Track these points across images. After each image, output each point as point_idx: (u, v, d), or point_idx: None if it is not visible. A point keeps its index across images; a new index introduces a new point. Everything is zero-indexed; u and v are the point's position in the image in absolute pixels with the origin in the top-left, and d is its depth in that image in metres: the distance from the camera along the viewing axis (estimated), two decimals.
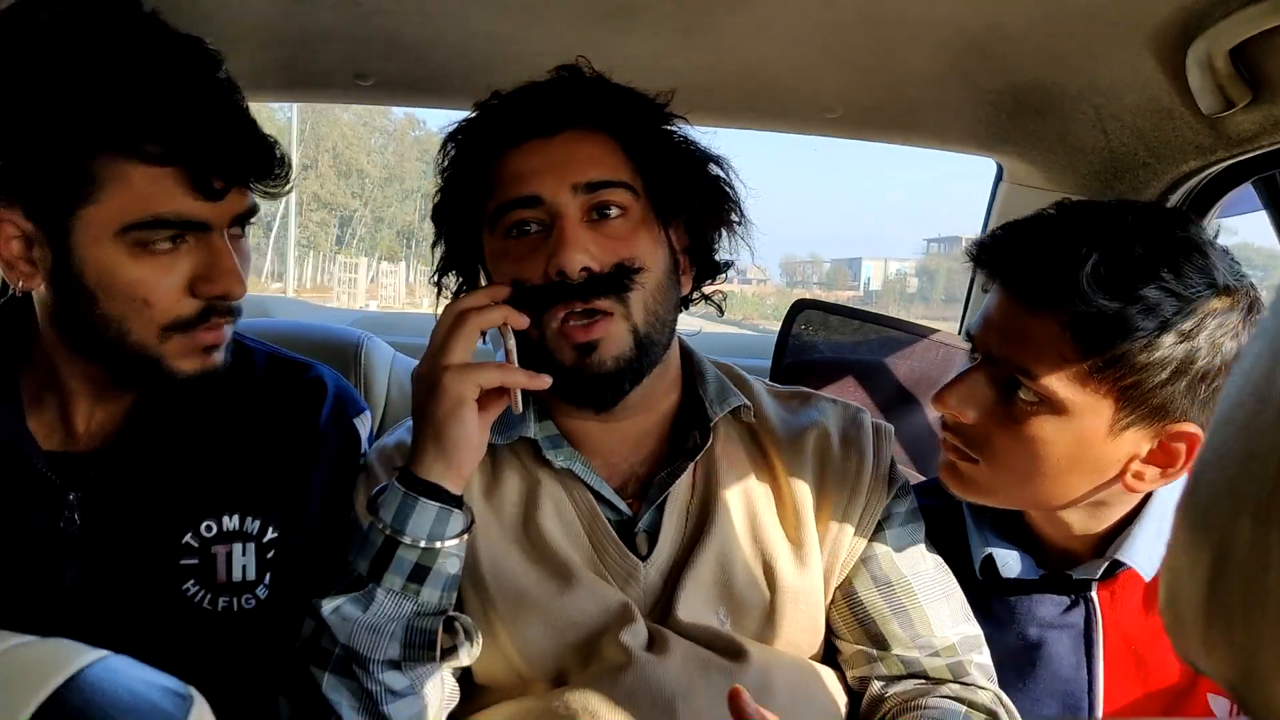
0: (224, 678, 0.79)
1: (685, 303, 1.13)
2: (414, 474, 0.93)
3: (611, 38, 1.40)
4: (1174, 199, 1.50)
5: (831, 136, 1.84)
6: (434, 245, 1.13)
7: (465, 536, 0.94)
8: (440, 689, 0.95)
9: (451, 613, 0.98)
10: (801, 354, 1.78)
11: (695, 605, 1.01)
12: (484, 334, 0.99)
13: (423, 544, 0.91)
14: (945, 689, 1.05)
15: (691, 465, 1.06)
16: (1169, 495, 1.06)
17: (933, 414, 1.72)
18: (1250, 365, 0.35)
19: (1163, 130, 1.36)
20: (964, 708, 1.01)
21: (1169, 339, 0.92)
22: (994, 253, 1.04)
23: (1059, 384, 0.95)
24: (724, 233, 1.12)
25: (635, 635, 0.98)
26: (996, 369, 1.01)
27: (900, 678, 1.06)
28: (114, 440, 1.07)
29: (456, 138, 1.08)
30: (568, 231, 0.97)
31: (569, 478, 1.06)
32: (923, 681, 1.06)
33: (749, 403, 1.10)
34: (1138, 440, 0.98)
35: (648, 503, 1.06)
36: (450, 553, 0.93)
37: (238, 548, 1.08)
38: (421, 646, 0.92)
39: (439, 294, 1.13)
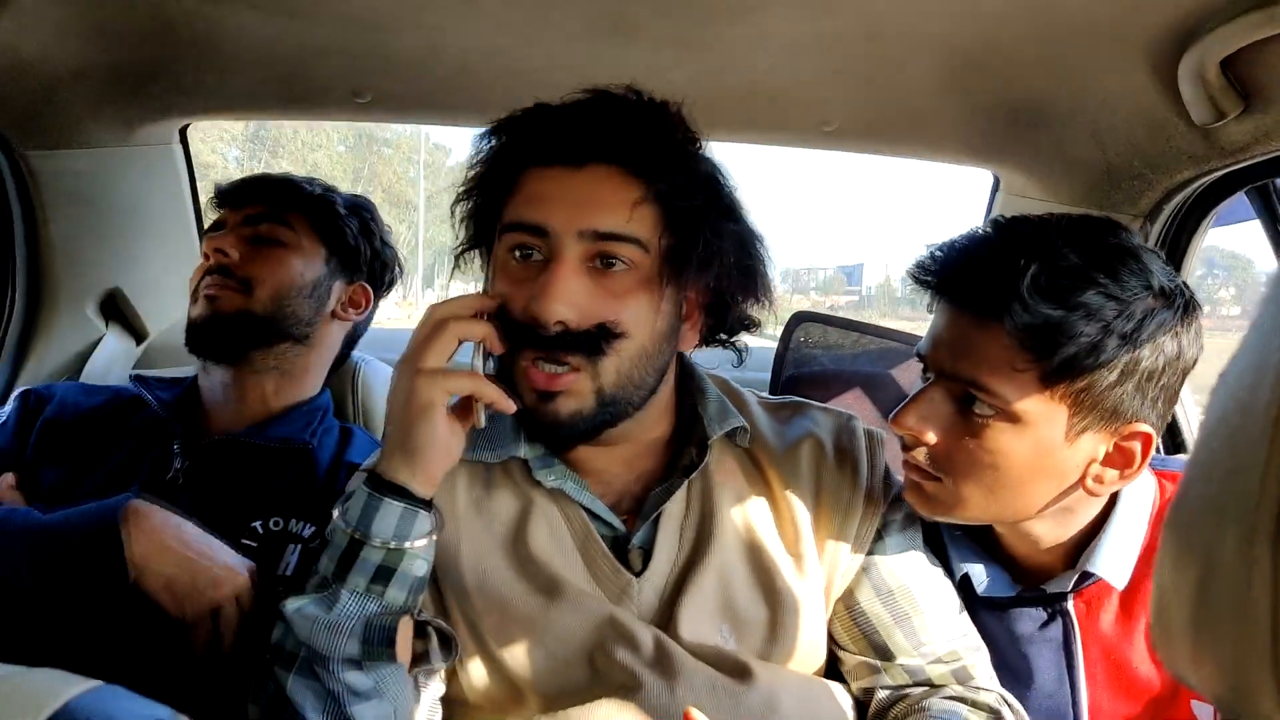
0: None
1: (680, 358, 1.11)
2: (380, 476, 0.91)
3: (611, 52, 1.41)
4: (1169, 209, 1.51)
5: (829, 149, 1.84)
6: (459, 221, 1.10)
7: (433, 538, 0.93)
8: (410, 696, 0.94)
9: (426, 617, 0.98)
10: (801, 366, 1.78)
11: (697, 623, 1.00)
12: None
13: (390, 545, 0.89)
14: (949, 691, 1.04)
15: (686, 482, 1.06)
16: (1132, 503, 1.08)
17: None
18: (1235, 380, 0.36)
19: (1157, 141, 1.37)
20: (966, 708, 1.01)
21: (1113, 342, 0.94)
22: (935, 271, 1.05)
23: (1013, 394, 0.96)
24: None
25: (638, 652, 0.97)
26: (951, 385, 1.02)
27: (905, 687, 1.06)
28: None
29: (495, 135, 1.05)
30: (554, 281, 0.93)
31: (562, 496, 1.05)
32: (927, 688, 1.06)
33: (746, 425, 1.09)
34: (1094, 444, 0.99)
35: (642, 519, 1.05)
36: (416, 554, 0.91)
37: (290, 546, 1.26)
38: (380, 644, 0.90)
39: (453, 271, 1.13)
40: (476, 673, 1.00)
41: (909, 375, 1.80)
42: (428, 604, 1.02)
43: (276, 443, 1.36)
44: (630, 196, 0.96)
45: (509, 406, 0.94)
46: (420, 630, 0.97)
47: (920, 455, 1.04)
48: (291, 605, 0.90)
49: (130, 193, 1.79)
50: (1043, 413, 0.97)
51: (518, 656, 0.98)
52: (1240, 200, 1.46)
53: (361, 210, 1.54)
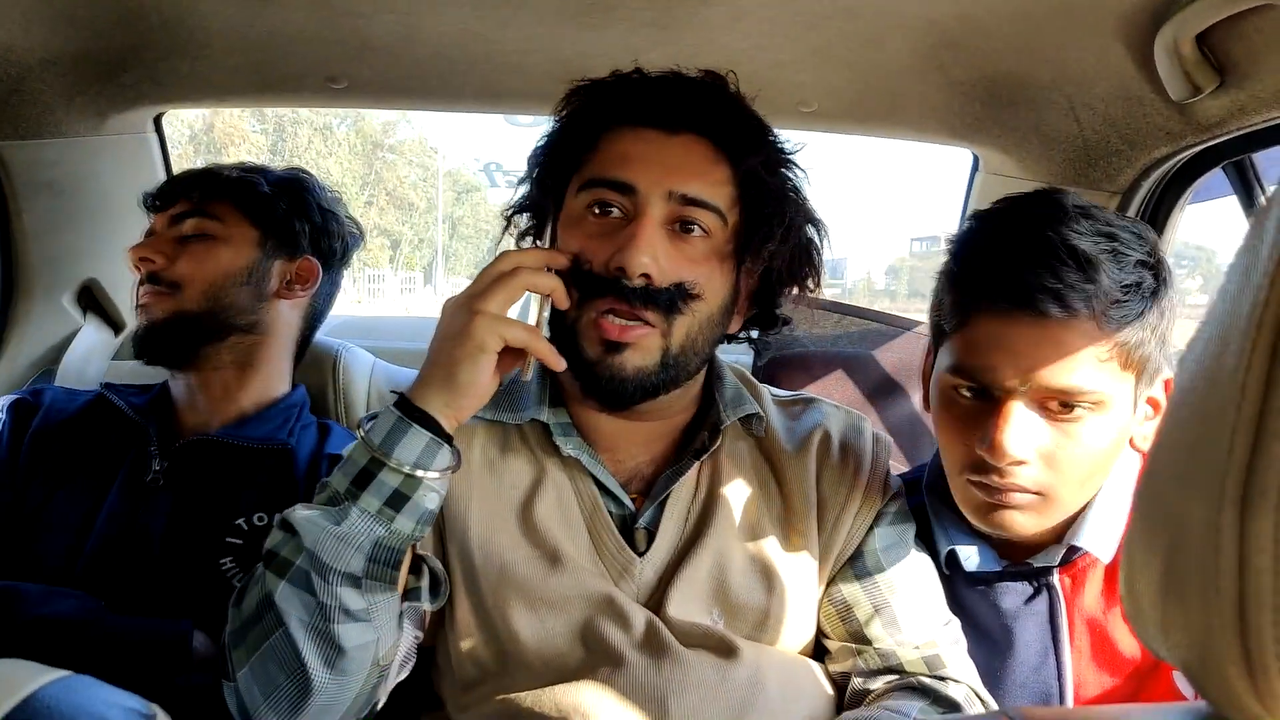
0: None
1: (729, 338, 1.12)
2: (412, 402, 0.91)
3: (586, 34, 1.40)
4: (1147, 185, 1.51)
5: (808, 130, 1.83)
6: (520, 182, 1.11)
7: (448, 474, 0.92)
8: (395, 629, 0.93)
9: (423, 554, 0.98)
10: (782, 348, 1.78)
11: (687, 604, 1.00)
12: None
13: (406, 470, 0.88)
14: (915, 680, 1.05)
15: (697, 465, 1.06)
16: (1118, 478, 1.08)
17: (918, 403, 1.73)
18: (1201, 350, 0.36)
19: (1134, 117, 1.37)
20: (920, 703, 1.01)
21: (1151, 305, 0.97)
22: (1005, 288, 0.98)
23: (1104, 385, 0.97)
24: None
25: (629, 631, 0.97)
26: (1031, 399, 0.98)
27: (878, 672, 1.06)
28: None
29: (583, 93, 1.05)
30: (643, 233, 0.95)
31: (575, 467, 1.05)
32: (897, 676, 1.06)
33: (761, 413, 1.10)
34: (1143, 405, 1.03)
35: (651, 499, 1.05)
36: (431, 486, 0.90)
37: None
38: (386, 564, 0.89)
39: (506, 228, 1.13)
40: (466, 631, 1.00)
41: (890, 356, 1.81)
42: (428, 544, 1.03)
43: (255, 443, 1.34)
44: (716, 168, 1.00)
45: (559, 364, 0.95)
46: (415, 566, 0.97)
47: (1023, 476, 1.00)
48: (301, 512, 0.89)
49: (105, 182, 1.78)
50: (1121, 391, 0.98)
51: (509, 619, 0.98)
52: (1218, 176, 1.46)
53: (292, 184, 1.50)
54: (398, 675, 0.98)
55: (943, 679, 1.05)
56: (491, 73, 1.55)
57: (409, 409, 0.90)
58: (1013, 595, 1.11)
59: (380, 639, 0.90)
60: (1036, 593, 1.10)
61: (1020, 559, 1.12)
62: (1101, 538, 1.06)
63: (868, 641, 1.06)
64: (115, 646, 1.10)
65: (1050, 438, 0.99)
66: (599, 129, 1.02)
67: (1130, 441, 1.04)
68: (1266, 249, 0.32)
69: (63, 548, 1.24)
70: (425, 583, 0.97)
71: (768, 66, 1.52)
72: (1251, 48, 1.10)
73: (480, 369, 0.90)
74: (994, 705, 1.04)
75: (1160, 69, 1.21)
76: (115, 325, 1.87)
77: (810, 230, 1.09)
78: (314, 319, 1.54)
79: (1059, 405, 0.97)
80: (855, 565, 1.08)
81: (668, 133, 1.00)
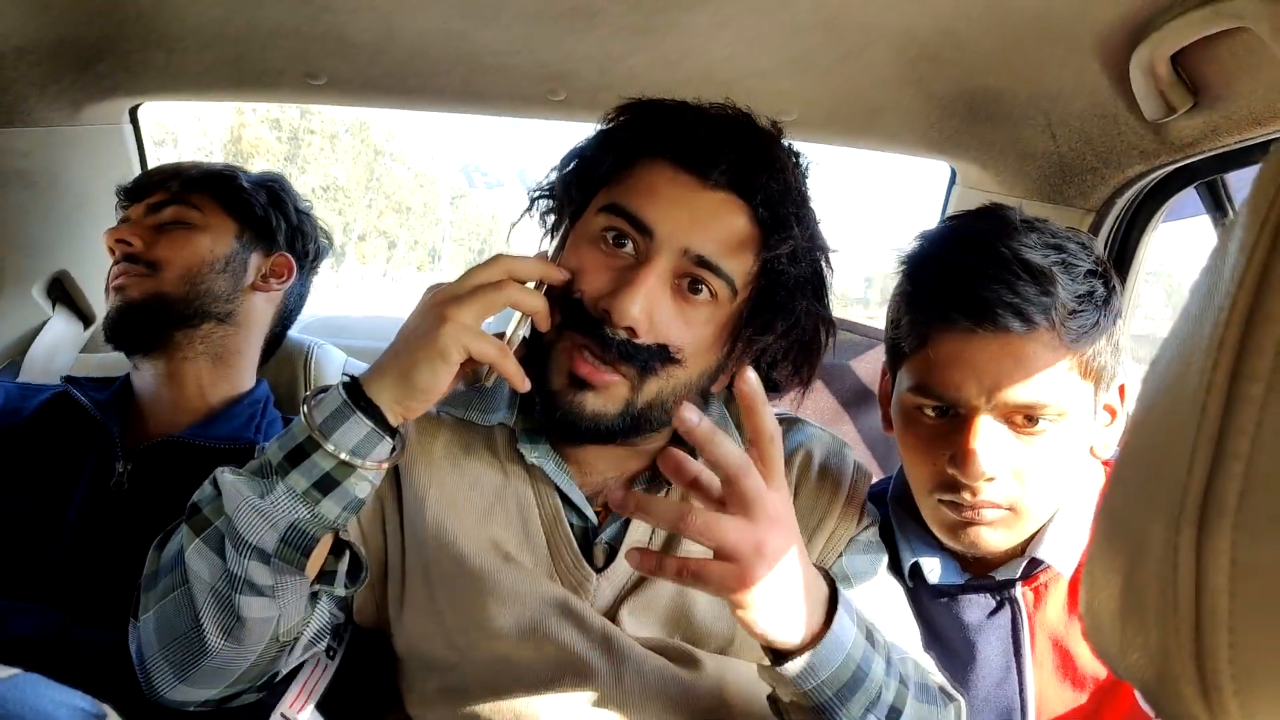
0: None
1: (706, 395, 1.07)
2: (362, 389, 0.88)
3: (568, 37, 1.40)
4: (1120, 203, 1.52)
5: (789, 140, 1.83)
6: (548, 174, 1.06)
7: (383, 468, 0.89)
8: (299, 608, 0.92)
9: (347, 538, 0.96)
10: None
11: (643, 628, 0.98)
12: None
13: (343, 456, 0.85)
14: None
15: (666, 489, 1.03)
16: (1080, 491, 1.10)
17: None
18: (1163, 370, 0.36)
19: (1109, 135, 1.39)
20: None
21: (1105, 313, 0.99)
22: (960, 300, 0.98)
23: (1069, 398, 0.98)
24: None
25: (586, 636, 0.95)
26: (998, 413, 0.99)
27: None
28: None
29: (636, 110, 1.01)
30: (641, 284, 0.90)
31: (539, 475, 1.02)
32: None
33: (741, 441, 1.04)
34: (1101, 412, 1.04)
35: (615, 515, 1.02)
36: (365, 475, 0.88)
37: None
38: (296, 548, 0.87)
39: (528, 208, 1.08)
40: (418, 622, 0.99)
41: (865, 367, 1.81)
42: (358, 527, 1.01)
43: (221, 442, 1.33)
44: (744, 236, 0.94)
45: (523, 386, 0.91)
46: (336, 549, 0.95)
47: (995, 493, 1.00)
48: (228, 476, 0.87)
49: (79, 173, 1.76)
50: (1082, 400, 0.99)
51: (461, 610, 0.97)
52: (1190, 195, 1.47)
53: (270, 183, 1.51)
54: (305, 652, 0.97)
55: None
56: (472, 73, 1.54)
57: (357, 395, 0.87)
58: (975, 609, 1.11)
59: (283, 615, 0.90)
60: (999, 606, 1.10)
61: (983, 572, 1.12)
62: (1063, 551, 1.06)
63: None
64: (82, 662, 1.08)
65: (1017, 452, 0.99)
66: (638, 152, 0.97)
67: (1090, 450, 1.05)
68: (1229, 270, 0.32)
69: (26, 558, 1.21)
70: (343, 567, 0.94)
71: (748, 75, 1.52)
72: (1225, 69, 1.12)
73: (438, 375, 0.87)
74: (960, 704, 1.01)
75: (1136, 88, 1.22)
76: (85, 318, 1.85)
77: (822, 323, 1.04)
78: (285, 317, 1.54)
79: (1024, 419, 0.98)
80: None
81: (704, 182, 0.93)
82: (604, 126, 1.02)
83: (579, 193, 1.01)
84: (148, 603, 0.89)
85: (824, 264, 1.02)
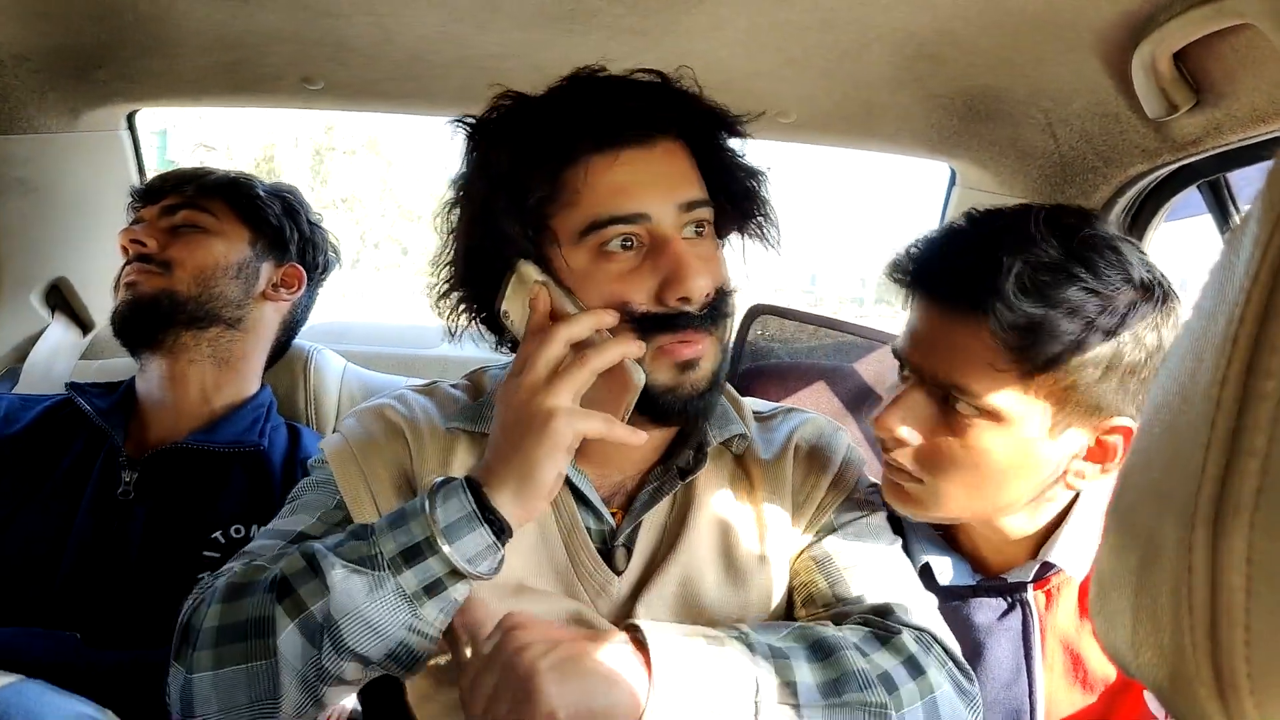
0: None
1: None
2: (484, 496, 0.85)
3: (565, 39, 1.40)
4: (1122, 202, 1.52)
5: (787, 140, 1.84)
6: (453, 242, 1.02)
7: (488, 579, 0.87)
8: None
9: None
10: (758, 359, 1.78)
11: (656, 618, 0.97)
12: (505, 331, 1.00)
13: (459, 565, 0.83)
14: (860, 617, 0.99)
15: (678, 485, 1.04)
16: (1094, 495, 1.08)
17: None
18: (1175, 366, 0.35)
19: (1110, 134, 1.38)
20: (834, 627, 0.96)
21: (1095, 338, 0.92)
22: (913, 269, 1.04)
23: (996, 395, 0.95)
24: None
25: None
26: (932, 386, 1.01)
27: None
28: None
29: (518, 132, 0.97)
30: (687, 257, 0.92)
31: None
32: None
33: (746, 433, 1.08)
34: (1077, 439, 0.99)
35: (630, 517, 1.02)
36: (467, 583, 0.86)
37: None
38: (401, 664, 0.85)
39: (439, 299, 1.04)
40: (435, 655, 0.96)
41: (870, 369, 1.81)
42: None
43: (226, 446, 1.33)
44: (691, 164, 0.99)
45: (639, 441, 0.89)
46: None
47: (903, 457, 1.03)
48: (339, 573, 0.82)
49: (77, 180, 1.76)
50: (1026, 411, 0.96)
51: (478, 641, 0.93)
52: (1193, 194, 1.47)
53: (284, 193, 1.53)
54: None
55: (889, 622, 0.97)
56: (468, 77, 1.54)
57: (483, 504, 0.85)
58: (986, 611, 1.10)
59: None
60: (1010, 609, 1.09)
61: (994, 574, 1.12)
62: (1075, 554, 1.05)
63: (824, 609, 1.02)
64: (96, 683, 1.07)
65: (938, 429, 1.00)
66: (559, 166, 0.94)
67: (1064, 479, 1.02)
68: (1242, 266, 0.31)
69: (34, 570, 1.20)
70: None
71: (747, 76, 1.52)
72: (1228, 67, 1.11)
73: (560, 466, 0.85)
74: (956, 650, 0.99)
75: (1137, 86, 1.22)
76: (83, 324, 1.84)
77: (759, 185, 1.06)
78: (291, 327, 1.55)
79: (952, 398, 0.99)
80: (816, 546, 1.06)
81: (645, 147, 0.94)
82: (482, 167, 0.98)
83: (524, 241, 0.96)
84: (207, 660, 0.83)
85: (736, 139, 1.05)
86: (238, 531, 1.26)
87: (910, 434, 1.01)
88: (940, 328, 0.99)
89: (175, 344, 1.35)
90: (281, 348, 1.55)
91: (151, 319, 1.34)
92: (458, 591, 0.86)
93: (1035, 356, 0.92)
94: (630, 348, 0.89)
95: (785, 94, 1.60)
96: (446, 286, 1.04)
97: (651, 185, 0.93)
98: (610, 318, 0.91)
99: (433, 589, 0.84)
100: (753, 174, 1.04)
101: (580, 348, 0.88)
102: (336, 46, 1.45)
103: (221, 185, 1.44)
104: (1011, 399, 0.95)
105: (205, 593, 0.89)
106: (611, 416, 0.87)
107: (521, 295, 0.93)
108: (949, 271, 0.99)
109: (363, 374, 1.74)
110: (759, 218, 1.06)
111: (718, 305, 0.96)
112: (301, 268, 1.50)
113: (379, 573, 0.83)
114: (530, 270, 0.93)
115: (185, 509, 1.26)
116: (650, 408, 0.95)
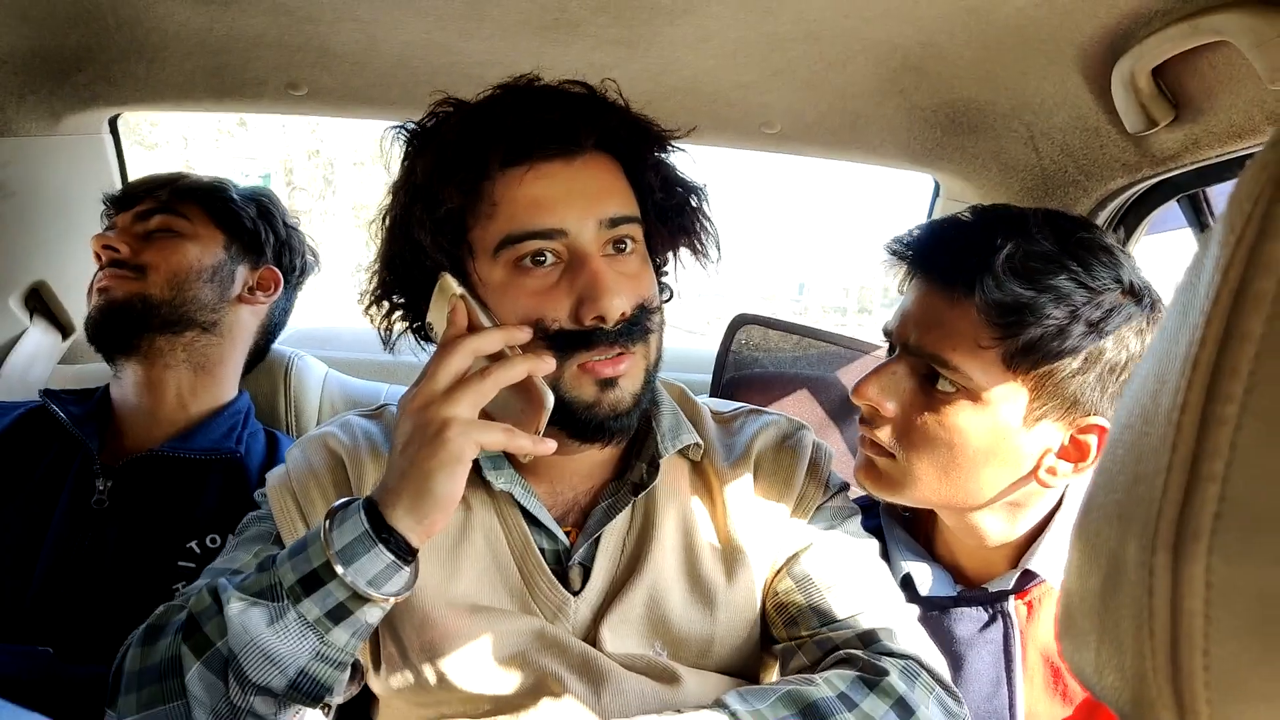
0: None
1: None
2: (381, 515, 0.83)
3: (551, 49, 1.39)
4: (1103, 215, 1.53)
5: (771, 151, 1.84)
6: (381, 254, 1.00)
7: (398, 600, 0.85)
8: None
9: None
10: (741, 368, 1.78)
11: (623, 640, 0.97)
12: (426, 336, 0.97)
13: (360, 589, 0.81)
14: (846, 654, 0.97)
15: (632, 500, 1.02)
16: (1076, 505, 1.07)
17: None
18: (1139, 386, 0.35)
19: (1091, 148, 1.39)
20: (821, 677, 0.93)
21: (1079, 328, 0.95)
22: (912, 246, 1.08)
23: (976, 371, 0.98)
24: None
25: (565, 661, 0.94)
26: (914, 360, 1.04)
27: (818, 662, 0.99)
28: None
29: (439, 141, 0.94)
30: (604, 275, 0.89)
31: (505, 501, 0.99)
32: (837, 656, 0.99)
33: (700, 442, 1.06)
34: (1051, 433, 1.00)
35: (585, 535, 1.00)
36: (377, 605, 0.84)
37: None
38: (307, 694, 0.84)
39: (369, 306, 1.02)
40: (394, 676, 0.97)
41: (853, 378, 1.80)
42: None
43: (202, 453, 1.31)
44: (619, 177, 0.96)
45: (549, 447, 0.87)
46: None
47: (881, 434, 1.05)
48: (236, 605, 0.82)
49: (58, 183, 1.74)
50: (1004, 393, 0.98)
51: (436, 662, 0.94)
52: (1173, 208, 1.48)
53: (260, 197, 1.52)
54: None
55: (878, 653, 0.96)
56: (453, 84, 1.51)
57: (378, 523, 0.83)
58: (967, 623, 1.10)
59: None
60: (991, 620, 1.09)
61: (975, 585, 1.12)
62: (1056, 564, 1.06)
63: (807, 634, 1.00)
64: (71, 699, 1.05)
65: (916, 403, 1.03)
66: (481, 179, 0.91)
67: (1036, 474, 1.02)
68: (1204, 287, 0.31)
69: (7, 580, 1.19)
70: (344, 675, 0.90)
71: (732, 87, 1.52)
72: (1206, 83, 1.12)
73: (456, 480, 0.82)
74: (942, 671, 0.97)
75: (1117, 101, 1.23)
76: (63, 329, 1.83)
77: (696, 200, 1.03)
78: (270, 331, 1.53)
79: (933, 371, 1.02)
80: (794, 562, 1.04)
81: (567, 160, 0.92)
82: (410, 175, 0.96)
83: (444, 255, 0.94)
84: (129, 705, 0.83)
85: (670, 150, 1.02)
86: (213, 541, 1.24)
87: (887, 402, 1.04)
88: (931, 304, 1.02)
89: (150, 349, 1.34)
90: (260, 352, 1.54)
91: (125, 323, 1.32)
92: (368, 614, 0.84)
93: (1018, 337, 0.95)
94: (539, 364, 0.87)
95: (770, 105, 1.60)
96: (376, 294, 1.02)
97: (570, 200, 0.91)
98: (523, 334, 0.89)
99: (337, 614, 0.83)
100: (689, 189, 1.02)
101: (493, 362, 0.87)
102: (321, 53, 1.45)
103: (196, 190, 1.43)
104: (990, 378, 0.98)
105: (131, 637, 0.89)
106: (512, 427, 0.85)
107: (442, 307, 0.91)
108: (946, 251, 1.03)
109: (344, 380, 1.73)
110: (695, 234, 1.03)
111: (638, 321, 0.93)
112: (278, 270, 1.49)
113: (279, 603, 0.82)
114: (450, 283, 0.90)
115: (161, 518, 1.25)
116: (571, 424, 0.93)
